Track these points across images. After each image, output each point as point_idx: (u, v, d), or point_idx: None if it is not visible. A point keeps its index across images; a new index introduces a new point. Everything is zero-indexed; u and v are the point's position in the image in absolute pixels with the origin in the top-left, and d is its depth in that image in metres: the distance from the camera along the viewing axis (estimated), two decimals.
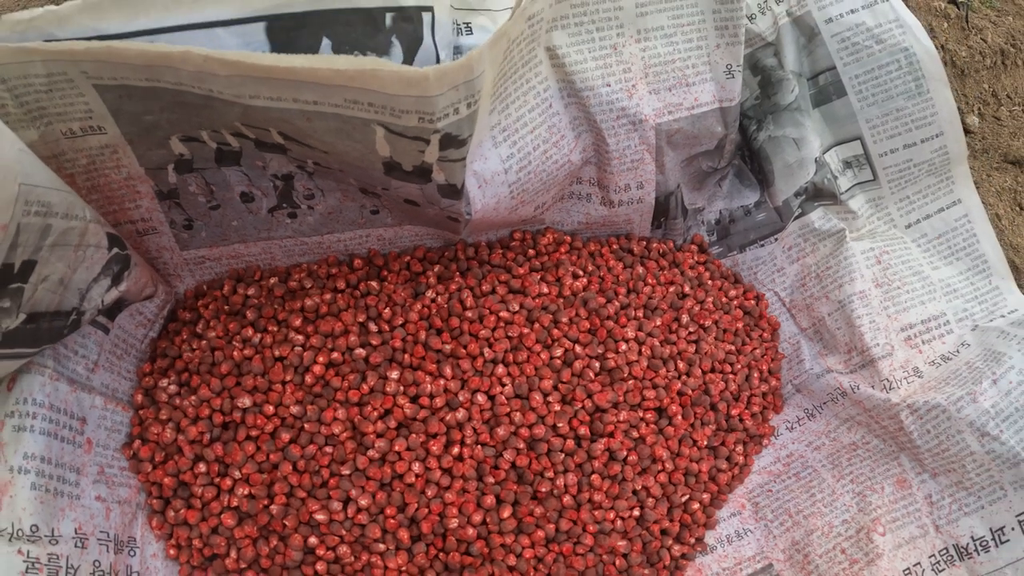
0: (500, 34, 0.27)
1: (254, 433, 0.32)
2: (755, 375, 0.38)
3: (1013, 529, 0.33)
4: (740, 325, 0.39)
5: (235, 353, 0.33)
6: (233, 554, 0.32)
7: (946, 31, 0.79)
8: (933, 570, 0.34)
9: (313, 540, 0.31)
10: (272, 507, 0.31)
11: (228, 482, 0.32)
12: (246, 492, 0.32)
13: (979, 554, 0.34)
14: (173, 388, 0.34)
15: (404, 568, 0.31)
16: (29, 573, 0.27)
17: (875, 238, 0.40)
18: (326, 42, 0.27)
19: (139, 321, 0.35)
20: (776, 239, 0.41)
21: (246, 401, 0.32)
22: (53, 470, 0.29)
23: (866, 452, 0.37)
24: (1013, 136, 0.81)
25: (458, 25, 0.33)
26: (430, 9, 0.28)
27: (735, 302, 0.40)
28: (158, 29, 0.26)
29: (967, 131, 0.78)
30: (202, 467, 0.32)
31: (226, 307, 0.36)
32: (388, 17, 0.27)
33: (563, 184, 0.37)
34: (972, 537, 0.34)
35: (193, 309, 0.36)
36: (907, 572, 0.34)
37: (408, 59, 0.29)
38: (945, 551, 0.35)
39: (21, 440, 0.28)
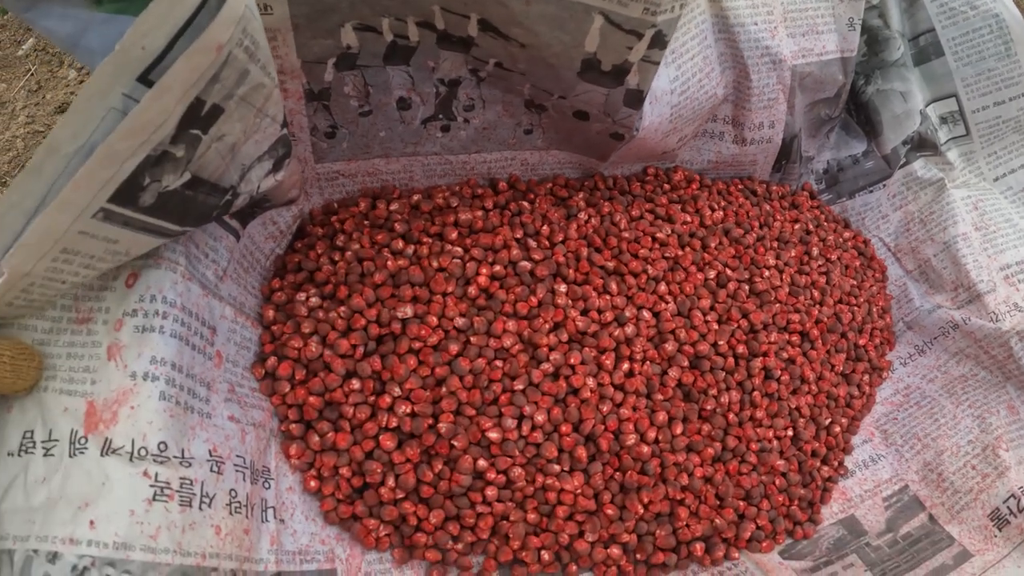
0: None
1: (417, 345, 0.30)
2: (875, 310, 0.40)
3: None
4: (857, 264, 0.41)
5: (388, 263, 0.31)
6: (390, 482, 0.28)
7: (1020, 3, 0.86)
8: None
9: (483, 463, 0.29)
10: (439, 426, 0.29)
11: (387, 400, 0.29)
12: (408, 410, 0.29)
13: None
14: (315, 300, 0.31)
15: (580, 491, 0.29)
16: (157, 500, 0.22)
17: (970, 188, 0.43)
18: None
19: (270, 232, 0.32)
20: (883, 186, 0.43)
21: (408, 311, 0.30)
22: (184, 380, 0.25)
23: (976, 382, 0.39)
24: None
25: None
26: None
27: (849, 243, 0.42)
28: None
29: None
30: (356, 384, 0.29)
31: (366, 222, 0.33)
32: None
33: (705, 117, 0.38)
34: None
35: (326, 224, 0.34)
36: None
37: None
38: None
39: (147, 342, 0.23)
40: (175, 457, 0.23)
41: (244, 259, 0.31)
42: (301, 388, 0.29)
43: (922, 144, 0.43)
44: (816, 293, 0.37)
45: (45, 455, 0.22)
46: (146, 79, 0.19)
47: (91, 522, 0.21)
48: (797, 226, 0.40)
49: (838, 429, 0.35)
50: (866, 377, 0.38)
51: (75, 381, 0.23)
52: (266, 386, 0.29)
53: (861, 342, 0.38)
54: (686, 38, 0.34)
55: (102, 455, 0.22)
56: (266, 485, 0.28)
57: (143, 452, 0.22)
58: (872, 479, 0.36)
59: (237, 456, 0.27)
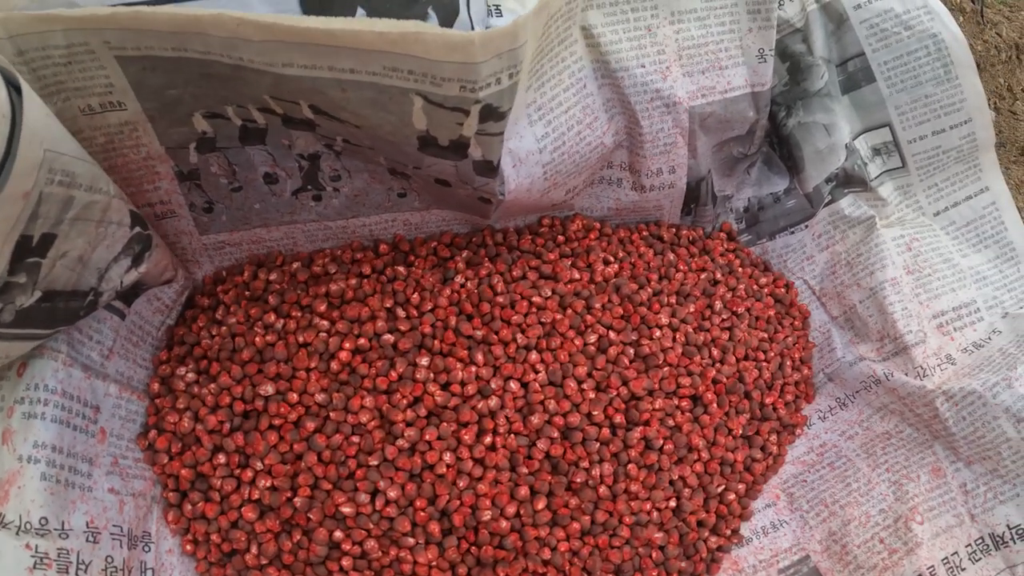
0: (543, 5, 0.25)
1: (277, 422, 0.30)
2: (788, 363, 0.37)
3: None
4: (772, 313, 0.38)
5: (257, 339, 0.31)
6: (254, 549, 0.29)
7: (961, 24, 0.79)
8: (970, 559, 0.33)
9: (339, 534, 0.29)
10: (296, 500, 0.29)
11: (249, 474, 0.29)
12: (268, 484, 0.29)
13: (1015, 543, 0.32)
14: (191, 376, 0.31)
15: (434, 563, 0.29)
16: (38, 569, 0.24)
17: (904, 225, 0.38)
18: (361, 12, 0.25)
19: (156, 307, 0.33)
20: (806, 226, 0.39)
21: (269, 389, 0.30)
22: (64, 460, 0.26)
23: (900, 441, 0.35)
24: None
25: (488, 6, 0.31)
26: None
27: (766, 290, 0.38)
28: None
29: None
30: (222, 458, 0.30)
31: (247, 293, 0.33)
32: None
33: (595, 167, 0.35)
34: (1008, 525, 0.32)
35: (212, 295, 0.34)
36: (945, 561, 0.32)
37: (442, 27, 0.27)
38: (980, 540, 0.33)
39: (31, 428, 0.25)
40: (55, 530, 0.25)
41: (132, 334, 0.32)
42: (176, 460, 0.30)
43: (848, 180, 0.38)
44: (716, 352, 0.35)
45: None
46: None
47: None
48: (703, 275, 0.37)
49: (732, 496, 0.33)
50: (773, 437, 0.35)
51: None
52: (148, 457, 0.30)
53: (768, 400, 0.35)
54: (557, 90, 0.31)
55: None
56: (146, 548, 0.30)
57: (28, 526, 0.25)
58: (770, 547, 0.33)
59: (114, 525, 0.28)
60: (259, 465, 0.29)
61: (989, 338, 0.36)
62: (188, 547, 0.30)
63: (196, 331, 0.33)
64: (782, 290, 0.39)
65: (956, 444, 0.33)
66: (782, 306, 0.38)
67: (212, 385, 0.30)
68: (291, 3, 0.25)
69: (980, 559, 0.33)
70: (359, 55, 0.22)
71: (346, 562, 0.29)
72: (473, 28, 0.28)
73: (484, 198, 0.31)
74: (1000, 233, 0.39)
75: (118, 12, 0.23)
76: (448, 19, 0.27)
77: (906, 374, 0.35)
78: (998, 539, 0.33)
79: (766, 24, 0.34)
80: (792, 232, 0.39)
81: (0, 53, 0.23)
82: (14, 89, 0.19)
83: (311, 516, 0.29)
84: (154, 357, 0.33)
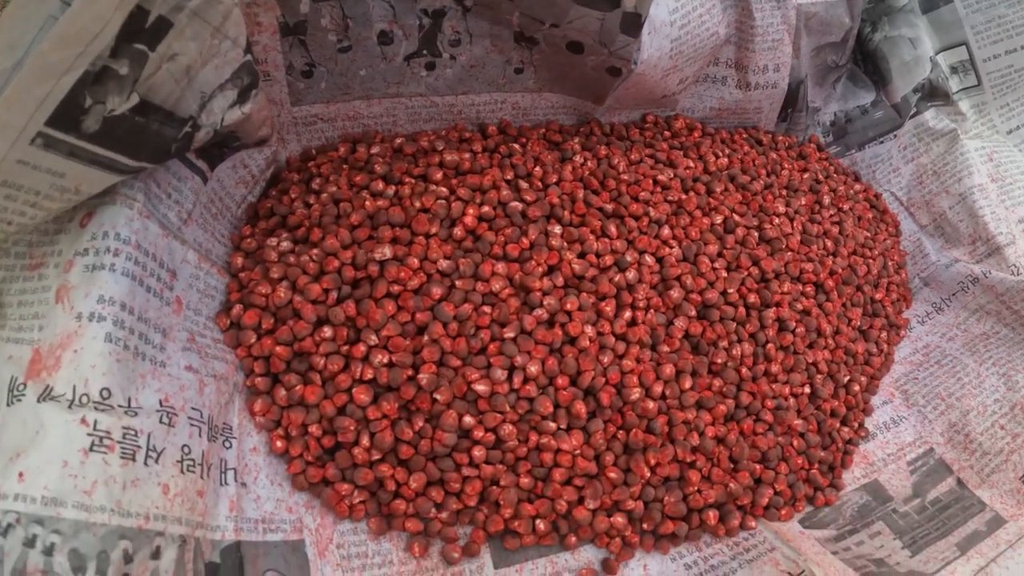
0: None
1: (396, 289, 0.25)
2: (890, 264, 0.35)
3: None
4: (870, 215, 0.36)
5: (367, 204, 0.26)
6: (364, 441, 0.24)
7: None
8: None
9: (469, 419, 0.24)
10: (420, 377, 0.24)
11: (362, 349, 0.24)
12: (385, 360, 0.24)
13: None
14: (287, 245, 0.26)
15: (579, 451, 0.24)
16: (95, 450, 0.18)
17: (983, 139, 0.38)
18: None
19: (241, 176, 0.27)
20: (894, 136, 0.38)
21: (386, 252, 0.25)
22: (135, 323, 0.20)
23: (999, 340, 0.34)
24: None
25: None
26: None
27: (861, 195, 0.37)
28: None
29: None
30: (328, 332, 0.24)
31: (345, 165, 0.28)
32: None
33: (707, 59, 0.33)
34: None
35: (303, 170, 0.29)
36: None
37: None
38: None
39: (96, 280, 0.19)
40: (120, 405, 0.19)
41: (212, 204, 0.26)
42: (268, 338, 0.24)
43: (933, 93, 0.38)
44: (829, 243, 0.33)
45: None
46: None
47: (20, 474, 0.16)
48: (806, 175, 0.35)
49: (857, 388, 0.30)
50: (884, 334, 0.33)
51: (23, 329, 0.19)
52: (231, 337, 0.25)
53: (878, 296, 0.34)
54: None
55: (38, 402, 0.17)
56: (227, 444, 0.23)
57: (84, 399, 0.18)
58: (895, 442, 0.31)
59: (193, 409, 0.22)
60: (374, 339, 0.24)
61: None
62: (279, 443, 0.24)
63: (288, 203, 0.27)
64: (874, 198, 0.38)
65: None
66: (876, 212, 0.37)
67: (315, 251, 0.25)
68: None
69: None
70: None
71: (478, 452, 0.24)
72: None
73: (615, 68, 0.28)
74: None
75: None
76: None
77: (1002, 271, 0.34)
78: None
79: None
80: (881, 142, 0.38)
81: None
82: None
83: (437, 397, 0.24)
84: (233, 234, 0.27)
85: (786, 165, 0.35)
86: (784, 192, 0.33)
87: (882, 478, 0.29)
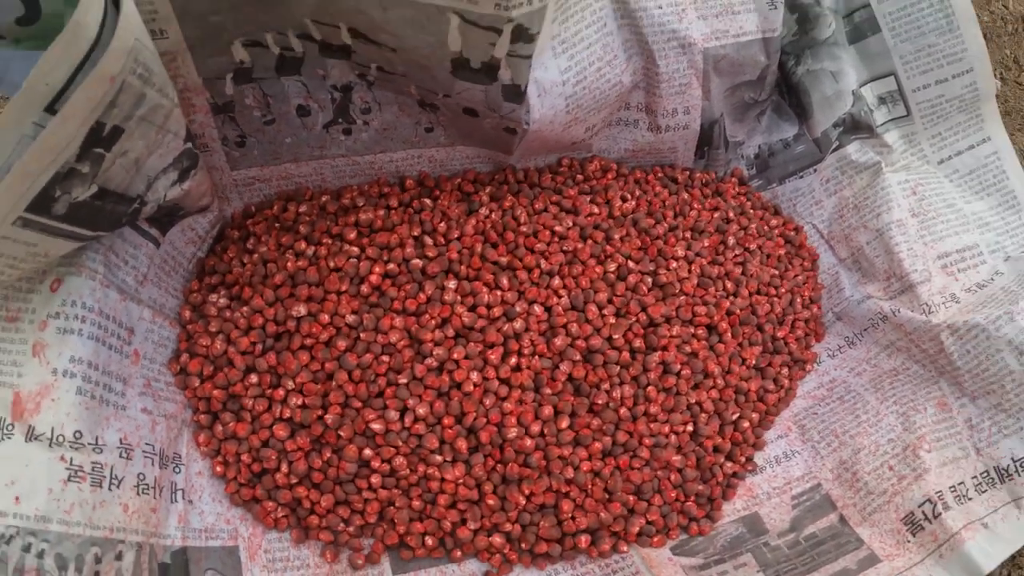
0: None
1: (309, 342, 0.31)
2: (798, 300, 0.39)
3: None
4: (783, 252, 0.40)
5: (288, 264, 0.33)
6: (284, 468, 0.31)
7: None
8: (976, 490, 0.34)
9: (368, 452, 0.30)
10: (327, 417, 0.30)
11: (281, 393, 0.31)
12: (299, 402, 0.31)
13: (1019, 475, 0.34)
14: (223, 301, 0.33)
15: (461, 480, 0.31)
16: (72, 481, 0.25)
17: (909, 171, 0.41)
18: None
19: (189, 238, 0.34)
20: (815, 171, 0.41)
21: (301, 310, 0.32)
22: (100, 377, 0.27)
23: (907, 377, 0.37)
24: None
25: None
26: None
27: (776, 231, 0.40)
28: None
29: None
30: (254, 378, 0.31)
31: (277, 224, 0.35)
32: None
33: (613, 106, 0.37)
34: (1012, 459, 0.34)
35: (242, 228, 0.36)
36: (952, 489, 0.34)
37: None
38: (986, 473, 0.35)
39: (67, 342, 0.26)
40: (88, 444, 0.27)
41: (165, 263, 0.33)
42: (208, 383, 0.32)
43: (856, 126, 0.41)
44: (730, 284, 0.37)
45: None
46: (52, 109, 0.21)
47: (16, 497, 0.24)
48: (716, 214, 0.39)
49: (747, 424, 0.35)
50: (785, 370, 0.37)
51: (4, 373, 0.26)
52: (179, 380, 0.32)
53: (780, 334, 0.37)
54: (580, 26, 0.33)
55: (26, 441, 0.25)
56: (176, 470, 0.31)
57: (61, 439, 0.26)
58: (783, 476, 0.35)
59: (146, 444, 0.29)
60: (291, 384, 0.31)
61: (992, 279, 0.38)
62: (219, 468, 0.31)
63: (227, 260, 0.34)
64: (792, 232, 0.41)
65: (961, 379, 0.35)
66: (792, 247, 0.41)
67: (244, 308, 0.32)
68: None
69: (986, 491, 0.34)
70: None
71: (375, 479, 0.30)
72: None
73: (510, 128, 0.33)
74: (1002, 182, 0.42)
75: None
76: None
77: (912, 310, 0.37)
78: (1003, 472, 0.34)
79: None
80: (801, 176, 0.42)
81: None
82: None
83: (341, 433, 0.30)
84: (185, 288, 0.34)
85: (695, 205, 0.39)
86: (688, 235, 0.38)
87: (763, 511, 0.34)
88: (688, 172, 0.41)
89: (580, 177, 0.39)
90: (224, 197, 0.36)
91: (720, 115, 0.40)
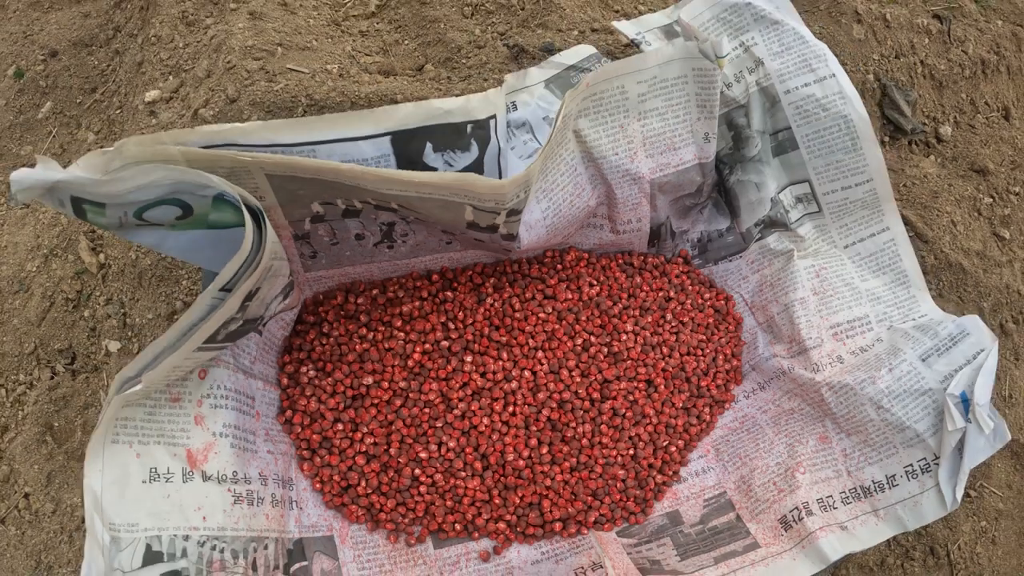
0: (546, 147, 0.43)
1: (375, 401, 0.50)
2: (720, 357, 0.55)
3: (901, 476, 0.48)
4: (711, 320, 0.56)
5: (356, 346, 0.51)
6: (362, 484, 0.50)
7: (927, 46, 0.90)
8: (843, 502, 0.49)
9: (417, 471, 0.50)
10: (390, 450, 0.50)
11: (358, 435, 0.50)
12: (372, 441, 0.50)
13: (877, 493, 0.49)
14: (312, 372, 0.51)
15: (477, 488, 0.50)
16: (236, 504, 0.43)
17: (818, 256, 0.56)
18: (429, 145, 0.43)
19: (280, 325, 0.53)
20: (741, 256, 0.57)
21: (368, 379, 0.50)
22: (241, 433, 0.45)
23: (799, 416, 0.54)
24: (984, 144, 0.92)
25: (508, 105, 0.49)
26: (494, 116, 0.44)
27: (708, 303, 0.57)
28: (318, 141, 0.42)
29: (939, 140, 0.90)
30: (339, 426, 0.50)
31: (343, 312, 0.53)
32: (468, 127, 0.43)
33: (583, 220, 0.53)
34: (873, 481, 0.49)
35: (315, 314, 0.54)
36: (820, 501, 0.50)
37: (480, 152, 0.44)
38: (854, 489, 0.49)
39: (218, 414, 0.43)
40: (241, 478, 0.45)
41: (266, 345, 0.52)
42: (307, 430, 0.51)
43: (772, 224, 0.55)
44: (665, 349, 0.54)
45: (166, 482, 0.41)
46: (226, 289, 0.39)
47: (203, 517, 0.41)
48: (660, 293, 0.55)
49: (674, 448, 0.53)
50: (707, 409, 0.55)
51: (176, 438, 0.43)
52: (286, 428, 0.51)
53: (704, 383, 0.55)
54: (556, 176, 0.49)
55: (203, 480, 0.43)
56: (291, 488, 0.50)
57: (224, 477, 0.43)
58: (699, 485, 0.53)
59: (274, 474, 0.49)
60: (365, 429, 0.50)
61: (873, 344, 0.54)
62: (317, 486, 0.50)
63: (309, 340, 0.52)
64: (722, 302, 0.57)
65: (838, 420, 0.51)
66: (720, 315, 0.57)
67: (328, 379, 0.51)
68: (385, 145, 0.43)
69: (851, 502, 0.49)
70: (436, 188, 0.40)
71: (422, 489, 0.50)
72: (499, 145, 0.45)
73: (506, 248, 0.50)
74: (896, 263, 0.56)
75: (280, 160, 0.40)
76: (483, 144, 0.44)
77: (804, 369, 0.53)
78: (865, 490, 0.49)
79: (710, 115, 0.51)
80: (731, 260, 0.57)
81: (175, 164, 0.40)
82: (259, 212, 0.38)
83: (400, 460, 0.50)
84: (279, 360, 0.53)
85: (645, 287, 0.55)
86: (636, 313, 0.54)
87: (682, 509, 0.52)
88: (643, 257, 0.57)
89: (560, 266, 0.55)
90: (300, 290, 0.54)
91: (666, 217, 0.55)
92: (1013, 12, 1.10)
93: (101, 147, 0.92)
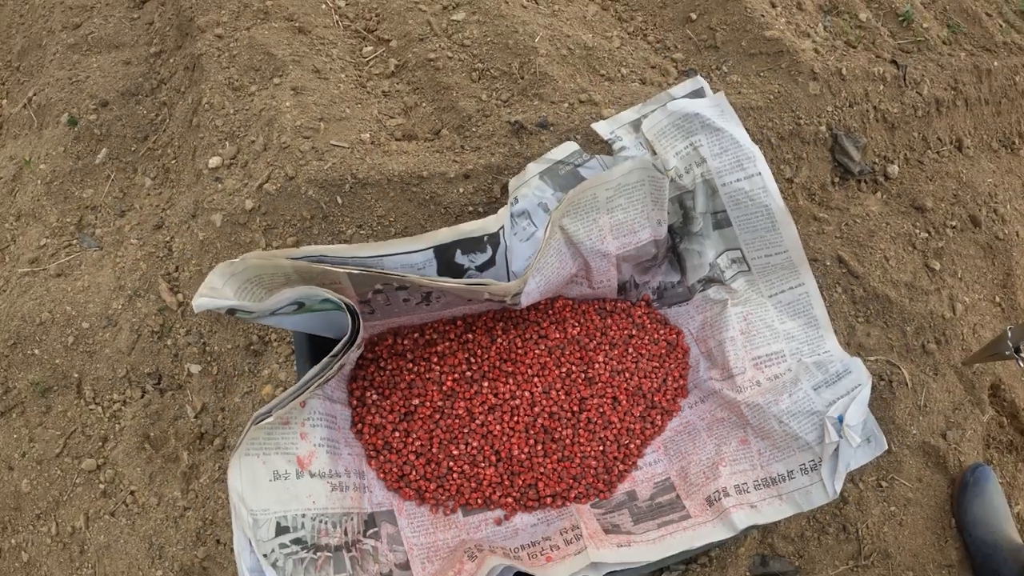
0: (538, 254, 0.65)
1: (421, 416, 0.75)
2: (670, 379, 0.79)
3: (797, 471, 0.69)
4: (663, 351, 0.79)
5: (405, 377, 0.76)
6: (413, 473, 0.75)
7: (881, 92, 1.06)
8: (755, 487, 0.71)
9: (451, 464, 0.75)
10: (432, 449, 0.75)
11: (410, 439, 0.74)
12: (419, 443, 0.75)
13: (781, 483, 0.70)
14: (375, 397, 0.76)
15: (493, 475, 0.76)
16: (332, 491, 0.66)
17: (747, 304, 0.78)
18: (459, 250, 0.66)
19: (349, 360, 0.78)
20: (688, 302, 0.80)
21: (415, 402, 0.75)
22: (331, 443, 0.69)
23: (727, 423, 0.77)
24: (930, 179, 1.09)
25: (512, 201, 0.71)
26: (502, 227, 0.67)
27: (663, 337, 0.80)
28: (383, 255, 0.65)
29: (887, 178, 1.08)
30: (396, 434, 0.75)
31: (393, 351, 0.78)
32: (485, 237, 0.66)
33: (567, 280, 0.76)
34: (778, 473, 0.71)
35: (372, 352, 0.78)
36: (737, 487, 0.72)
37: (493, 252, 0.67)
38: (765, 479, 0.71)
39: (316, 431, 0.66)
40: (335, 474, 0.70)
41: (340, 376, 0.77)
42: (373, 437, 0.76)
43: (711, 281, 0.78)
44: (628, 374, 0.77)
45: (285, 479, 0.65)
46: (334, 357, 0.63)
47: (313, 502, 0.65)
48: (625, 332, 0.79)
49: (633, 446, 0.78)
50: (659, 417, 0.79)
51: (288, 449, 0.66)
52: (358, 436, 0.76)
53: (657, 398, 0.79)
54: (546, 258, 0.71)
55: (310, 477, 0.67)
56: (363, 478, 0.76)
57: (324, 474, 0.67)
58: (651, 472, 0.78)
59: (353, 469, 0.73)
60: (414, 435, 0.75)
61: (784, 373, 0.76)
62: (381, 476, 0.76)
63: (371, 373, 0.77)
64: (673, 336, 0.80)
65: (755, 429, 0.75)
66: (670, 346, 0.80)
67: (387, 401, 0.75)
68: (430, 254, 0.65)
69: (761, 488, 0.70)
70: (466, 289, 0.63)
71: (455, 476, 0.74)
72: (506, 244, 0.68)
73: (513, 307, 0.74)
74: (808, 310, 0.78)
75: (364, 271, 0.64)
76: (495, 246, 0.67)
77: (730, 391, 0.76)
78: (772, 480, 0.72)
79: (661, 207, 0.72)
80: (681, 305, 0.80)
81: (283, 271, 0.64)
82: (354, 310, 0.62)
83: (439, 456, 0.75)
84: (348, 385, 0.78)
85: (613, 327, 0.78)
86: (606, 347, 0.77)
87: (637, 489, 0.76)
88: (613, 302, 0.80)
89: (550, 311, 0.79)
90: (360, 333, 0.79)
91: (630, 276, 0.78)
92: (983, 35, 1.24)
93: (160, 193, 1.11)
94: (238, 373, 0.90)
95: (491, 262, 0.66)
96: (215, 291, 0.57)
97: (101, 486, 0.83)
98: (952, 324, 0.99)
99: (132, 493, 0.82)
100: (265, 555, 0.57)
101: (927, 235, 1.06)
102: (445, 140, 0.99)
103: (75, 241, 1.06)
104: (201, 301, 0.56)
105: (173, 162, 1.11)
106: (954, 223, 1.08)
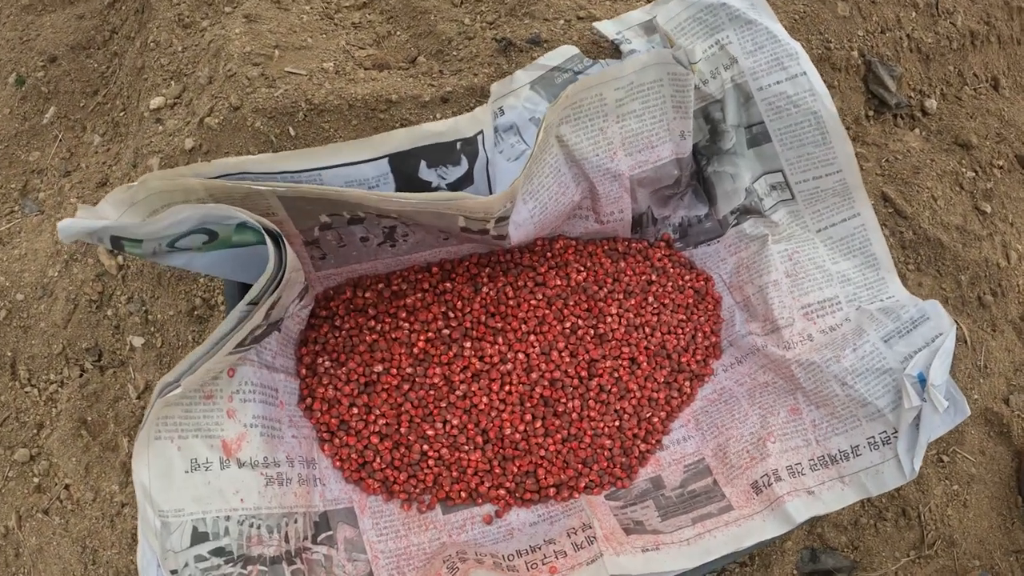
0: (530, 160, 0.50)
1: (385, 387, 0.60)
2: (700, 335, 0.64)
3: (865, 447, 0.56)
4: (691, 300, 0.65)
5: (367, 338, 0.60)
6: (377, 460, 0.60)
7: (914, 20, 0.94)
8: (811, 468, 0.57)
9: (425, 447, 0.59)
10: (400, 428, 0.59)
11: (372, 417, 0.60)
12: (384, 422, 0.60)
13: (843, 462, 0.57)
14: (328, 364, 0.61)
15: (479, 460, 0.60)
16: (268, 485, 0.53)
17: (791, 240, 0.63)
18: (423, 162, 0.51)
19: (296, 321, 0.62)
20: (719, 240, 0.65)
21: (378, 368, 0.59)
22: (268, 423, 0.56)
23: (773, 389, 0.62)
24: (970, 117, 0.97)
25: (495, 111, 0.56)
26: (481, 132, 0.52)
27: (688, 284, 0.65)
28: (323, 167, 0.50)
29: (924, 113, 0.96)
30: (355, 410, 0.60)
31: (352, 306, 0.62)
32: (458, 144, 0.51)
33: (569, 213, 0.61)
34: (839, 450, 0.57)
35: (327, 308, 0.63)
36: (789, 468, 0.59)
37: (470, 165, 0.52)
38: (822, 457, 0.58)
39: (247, 408, 0.53)
40: (271, 463, 0.55)
41: (284, 340, 0.61)
42: (326, 415, 0.60)
43: (747, 211, 0.63)
44: (647, 329, 0.62)
45: (206, 471, 0.51)
46: (252, 304, 0.48)
47: (241, 499, 0.52)
48: (643, 277, 0.64)
49: (656, 420, 0.62)
50: (687, 383, 0.64)
51: (211, 431, 0.52)
52: (307, 414, 0.61)
53: (684, 359, 0.64)
54: (541, 178, 0.57)
55: (239, 467, 0.53)
56: (314, 468, 0.61)
57: (256, 463, 0.54)
58: (680, 452, 0.63)
59: (299, 456, 0.59)
60: (377, 412, 0.59)
61: (841, 324, 0.62)
62: (337, 464, 0.61)
63: (323, 334, 0.62)
64: (701, 283, 0.66)
65: (808, 394, 0.60)
66: (699, 295, 0.65)
67: (342, 369, 0.60)
68: (384, 166, 0.51)
69: (818, 469, 0.57)
70: (431, 205, 0.48)
71: (431, 462, 0.60)
72: (487, 157, 0.53)
73: (497, 244, 0.58)
74: (866, 247, 0.63)
75: (291, 187, 0.49)
76: (472, 158, 0.52)
77: (777, 347, 0.62)
78: (832, 458, 0.57)
79: (685, 115, 0.58)
80: (709, 244, 0.65)
81: (195, 195, 0.49)
82: (278, 236, 0.46)
83: (410, 438, 0.59)
84: (296, 351, 0.62)
85: (628, 272, 0.63)
86: (620, 296, 0.63)
87: (664, 474, 0.62)
88: (627, 242, 0.65)
89: (549, 254, 0.64)
90: (311, 286, 0.63)
91: (647, 207, 0.63)
92: None
93: (108, 149, 1.00)
94: (182, 344, 0.76)
95: (468, 178, 0.51)
96: (94, 215, 0.41)
97: (35, 480, 0.74)
98: (1007, 274, 0.86)
99: (67, 487, 0.73)
100: (175, 572, 0.41)
101: (974, 175, 0.93)
102: (421, 67, 0.84)
103: (17, 208, 0.94)
104: (66, 223, 0.40)
105: (122, 114, 1.00)
106: (1001, 163, 0.96)
